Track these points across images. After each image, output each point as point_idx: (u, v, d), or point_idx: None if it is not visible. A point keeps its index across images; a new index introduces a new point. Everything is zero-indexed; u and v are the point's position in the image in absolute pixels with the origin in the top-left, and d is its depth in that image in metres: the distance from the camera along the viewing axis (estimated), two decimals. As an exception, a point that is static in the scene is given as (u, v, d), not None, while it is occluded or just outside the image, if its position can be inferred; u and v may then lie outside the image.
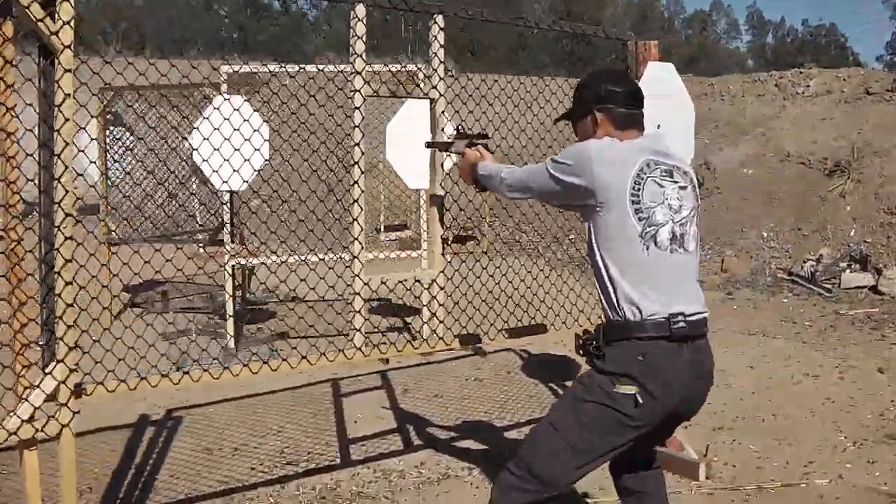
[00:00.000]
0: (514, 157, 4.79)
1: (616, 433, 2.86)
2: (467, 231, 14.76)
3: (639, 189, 2.85)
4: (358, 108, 3.77)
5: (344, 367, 6.78)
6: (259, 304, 9.69)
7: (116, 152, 8.67)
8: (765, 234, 12.22)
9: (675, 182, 2.93)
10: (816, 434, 5.49)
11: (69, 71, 3.00)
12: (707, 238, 12.63)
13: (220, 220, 8.29)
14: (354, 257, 3.82)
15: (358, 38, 3.73)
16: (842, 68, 16.57)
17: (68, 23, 3.00)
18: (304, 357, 3.79)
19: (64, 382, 3.13)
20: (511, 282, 4.79)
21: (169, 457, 5.10)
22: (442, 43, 3.99)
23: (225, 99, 6.35)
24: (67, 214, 3.10)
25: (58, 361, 3.14)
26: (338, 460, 5.04)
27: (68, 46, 3.00)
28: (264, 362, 3.76)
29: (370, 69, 3.70)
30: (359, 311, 3.84)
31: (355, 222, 3.80)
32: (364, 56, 3.74)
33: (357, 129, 3.77)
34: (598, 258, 2.92)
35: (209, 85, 7.33)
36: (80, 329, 3.24)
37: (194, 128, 6.94)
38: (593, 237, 2.95)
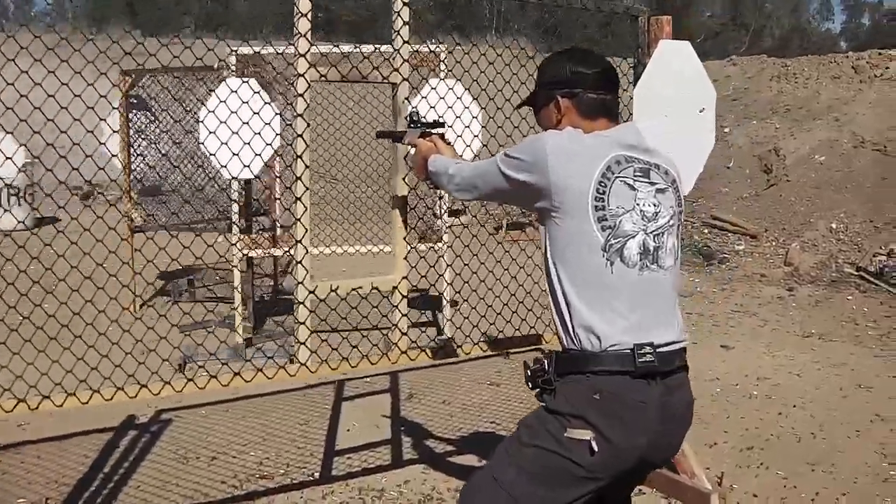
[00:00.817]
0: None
1: (568, 486, 2.36)
2: (519, 217, 14.23)
3: (604, 191, 2.37)
4: (301, 95, 3.34)
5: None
6: (289, 294, 9.38)
7: (140, 137, 8.42)
8: (833, 226, 11.43)
9: (652, 183, 2.45)
10: (857, 458, 4.92)
11: None
12: (772, 229, 11.90)
13: (250, 207, 7.97)
14: (298, 262, 3.41)
15: (302, 15, 3.30)
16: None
17: None
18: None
19: None
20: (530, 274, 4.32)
21: (142, 465, 4.78)
22: (406, 20, 3.53)
23: (244, 82, 6.01)
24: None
25: None
26: (316, 475, 4.66)
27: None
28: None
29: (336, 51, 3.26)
30: (303, 323, 3.42)
31: (299, 223, 3.39)
32: (309, 36, 3.31)
33: (300, 118, 3.35)
34: (553, 273, 2.44)
35: (225, 67, 6.99)
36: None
37: (206, 113, 6.64)
38: (547, 246, 2.47)
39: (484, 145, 6.59)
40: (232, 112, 4.17)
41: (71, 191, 12.24)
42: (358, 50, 5.02)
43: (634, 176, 2.42)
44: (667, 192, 2.47)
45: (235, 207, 7.02)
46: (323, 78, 3.42)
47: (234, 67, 6.69)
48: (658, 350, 2.34)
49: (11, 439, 5.06)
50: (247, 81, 5.05)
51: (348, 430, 5.32)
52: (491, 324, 4.31)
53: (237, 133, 4.00)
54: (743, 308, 9.01)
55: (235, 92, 5.20)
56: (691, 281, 10.08)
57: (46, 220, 12.16)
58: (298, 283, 3.43)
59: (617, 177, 2.39)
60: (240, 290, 6.97)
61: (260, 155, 6.70)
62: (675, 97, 4.25)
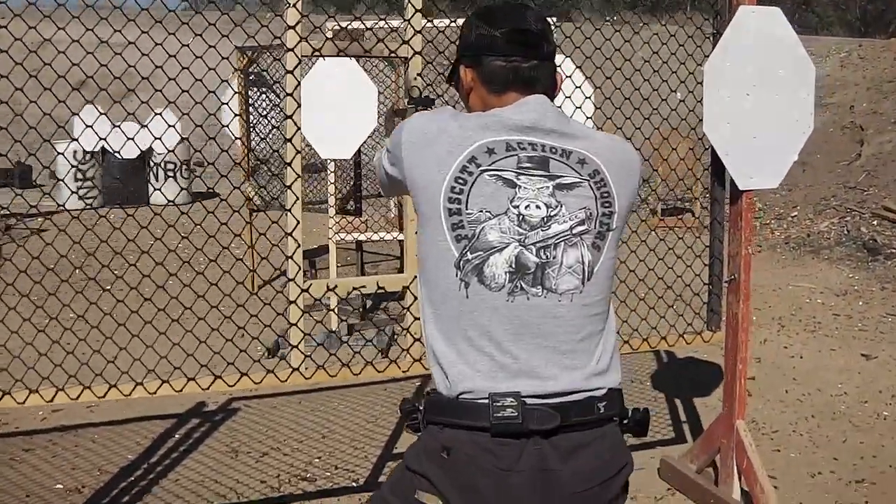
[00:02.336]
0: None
1: None
2: (681, 203, 13.41)
3: (462, 190, 1.81)
4: (291, 72, 3.00)
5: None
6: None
7: (258, 114, 8.33)
8: None
9: (550, 177, 1.84)
10: None
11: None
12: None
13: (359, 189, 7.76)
14: (289, 257, 3.08)
15: (289, -18, 2.96)
16: None
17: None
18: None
19: None
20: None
21: (190, 456, 4.62)
22: (418, -13, 3.12)
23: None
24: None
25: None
26: (360, 481, 4.35)
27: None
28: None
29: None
30: (295, 324, 3.10)
31: (290, 214, 3.06)
32: (299, 6, 2.96)
33: (290, 97, 3.01)
34: (419, 291, 1.94)
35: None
36: None
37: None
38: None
39: (599, 128, 6.08)
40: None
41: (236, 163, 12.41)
42: (385, 23, 4.58)
43: (519, 168, 1.83)
44: (577, 188, 1.85)
45: (331, 189, 6.79)
46: (317, 53, 3.07)
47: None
48: (532, 403, 1.79)
49: (75, 421, 5.02)
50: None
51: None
52: (624, 320, 3.96)
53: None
54: (903, 312, 8.05)
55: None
56: (849, 278, 9.12)
57: (205, 195, 12.37)
58: (289, 280, 3.11)
59: (485, 170, 1.82)
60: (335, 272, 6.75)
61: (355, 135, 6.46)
62: (759, 73, 3.65)
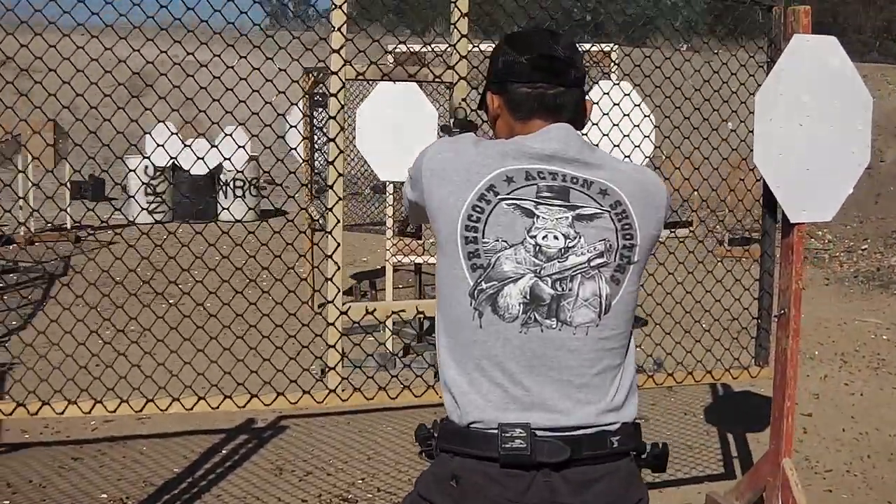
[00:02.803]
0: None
1: None
2: (747, 233, 13.16)
3: (479, 218, 1.79)
4: (335, 95, 3.03)
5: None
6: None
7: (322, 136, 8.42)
8: None
9: (570, 207, 1.81)
10: None
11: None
12: None
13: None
14: (328, 279, 3.10)
15: (336, 6, 2.98)
16: None
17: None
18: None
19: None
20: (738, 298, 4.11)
21: (234, 472, 4.66)
22: (464, 11, 3.13)
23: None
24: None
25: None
26: None
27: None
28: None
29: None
30: (333, 346, 3.11)
31: (331, 236, 3.08)
32: (344, 30, 2.99)
33: (333, 120, 3.03)
34: (436, 318, 1.92)
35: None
36: None
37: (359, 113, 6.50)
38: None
39: (656, 147, 6.03)
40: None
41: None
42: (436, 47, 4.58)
43: (538, 197, 1.80)
44: (597, 219, 1.81)
45: (390, 210, 6.83)
46: (360, 76, 3.09)
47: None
48: (541, 435, 1.76)
49: (124, 432, 5.10)
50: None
51: (459, 456, 4.96)
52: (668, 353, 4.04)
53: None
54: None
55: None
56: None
57: (273, 214, 12.52)
58: (327, 301, 3.12)
59: (503, 199, 1.79)
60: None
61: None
62: (813, 103, 3.58)
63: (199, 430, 5.12)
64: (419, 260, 7.11)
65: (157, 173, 12.50)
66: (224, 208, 13.53)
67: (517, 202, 1.80)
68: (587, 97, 2.02)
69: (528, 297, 1.77)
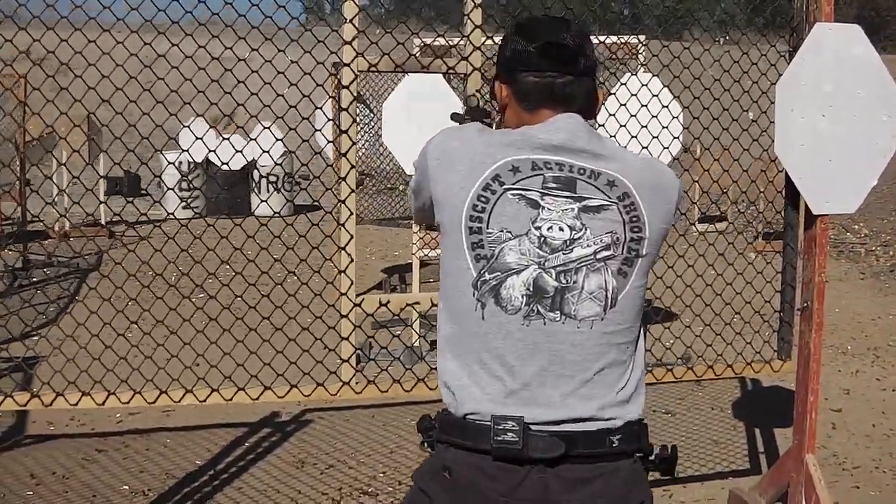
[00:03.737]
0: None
1: None
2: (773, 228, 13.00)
3: (483, 209, 1.77)
4: (347, 87, 3.01)
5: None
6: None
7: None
8: None
9: (576, 198, 1.77)
10: None
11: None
12: None
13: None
14: (342, 271, 3.09)
15: (348, -2, 2.97)
16: None
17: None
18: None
19: None
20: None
21: (256, 465, 4.68)
22: (477, 2, 3.10)
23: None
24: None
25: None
26: (420, 498, 4.33)
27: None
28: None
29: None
30: (346, 339, 3.10)
31: (343, 228, 3.07)
32: (357, 22, 2.98)
33: (345, 112, 3.02)
34: (439, 308, 1.91)
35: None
36: None
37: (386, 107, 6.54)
38: None
39: (686, 149, 5.97)
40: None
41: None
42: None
43: (544, 188, 1.77)
44: (604, 211, 1.78)
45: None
46: (373, 68, 3.07)
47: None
48: (535, 429, 1.73)
49: (150, 425, 5.14)
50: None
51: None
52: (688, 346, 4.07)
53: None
54: None
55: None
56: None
57: (309, 208, 12.52)
58: (342, 294, 3.11)
59: (508, 188, 1.77)
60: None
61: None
62: (836, 93, 3.52)
63: (223, 424, 5.14)
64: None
65: (193, 167, 12.59)
66: (262, 201, 13.54)
67: (522, 192, 1.78)
68: (600, 86, 1.98)
69: (531, 288, 1.75)
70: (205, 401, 3.13)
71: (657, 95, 4.19)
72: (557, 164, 1.80)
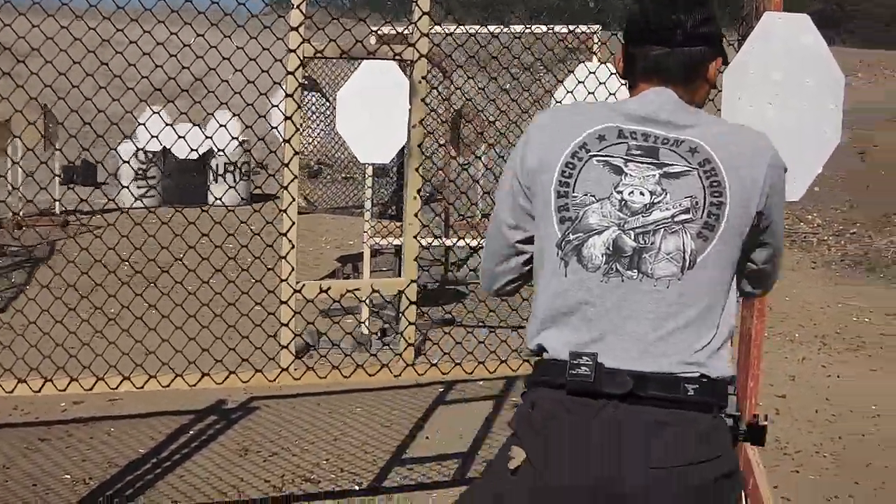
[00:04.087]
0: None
1: None
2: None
3: (571, 174, 1.89)
4: (293, 73, 2.99)
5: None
6: (459, 285, 9.08)
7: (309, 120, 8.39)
8: None
9: (658, 165, 1.86)
10: None
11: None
12: None
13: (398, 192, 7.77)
14: (282, 257, 3.07)
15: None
16: None
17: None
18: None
19: None
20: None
21: (200, 453, 4.66)
22: (421, -12, 3.09)
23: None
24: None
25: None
26: (364, 485, 4.33)
27: None
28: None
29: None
30: (286, 325, 3.08)
31: (284, 214, 3.05)
32: (304, 8, 2.95)
33: (291, 98, 2.99)
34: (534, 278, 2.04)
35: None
36: None
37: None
38: None
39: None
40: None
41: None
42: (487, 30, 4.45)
43: (628, 155, 1.87)
44: (683, 177, 1.85)
45: (368, 193, 6.80)
46: (319, 54, 3.05)
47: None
48: (610, 368, 1.81)
49: (94, 413, 5.09)
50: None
51: (427, 438, 4.95)
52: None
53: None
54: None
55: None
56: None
57: (265, 197, 12.40)
58: (282, 280, 3.09)
59: (594, 155, 1.88)
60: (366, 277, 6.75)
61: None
62: (784, 82, 3.54)
63: (169, 412, 5.10)
64: (398, 242, 7.08)
65: (149, 157, 12.42)
66: (217, 198, 13.38)
67: (607, 159, 1.87)
68: (715, 60, 1.99)
69: (610, 248, 1.84)
70: (142, 387, 3.09)
71: (604, 83, 4.22)
72: (643, 135, 1.89)
